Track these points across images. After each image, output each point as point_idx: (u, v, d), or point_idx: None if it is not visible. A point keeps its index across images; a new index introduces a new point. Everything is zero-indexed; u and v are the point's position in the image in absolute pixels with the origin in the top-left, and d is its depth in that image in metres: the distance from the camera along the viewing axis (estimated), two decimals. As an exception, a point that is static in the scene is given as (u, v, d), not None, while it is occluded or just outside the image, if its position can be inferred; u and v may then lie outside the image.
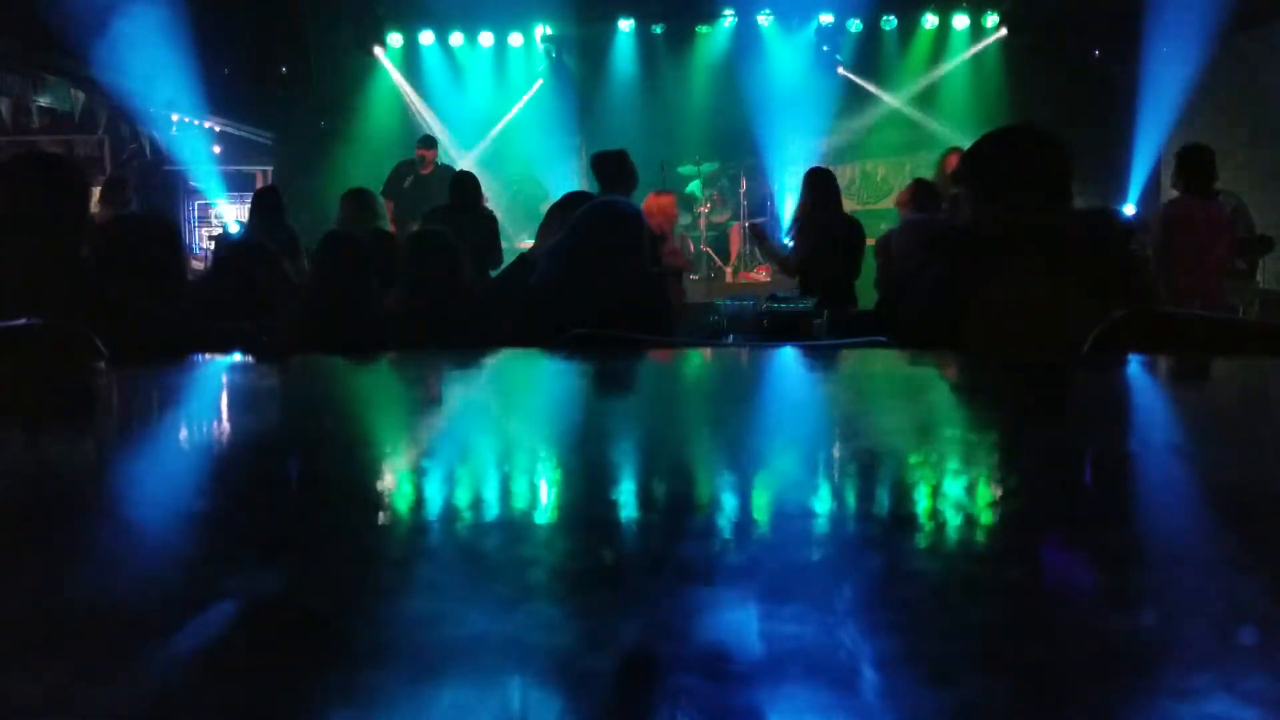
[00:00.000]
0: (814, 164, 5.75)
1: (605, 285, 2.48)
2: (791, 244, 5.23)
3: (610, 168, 4.78)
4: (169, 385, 1.17)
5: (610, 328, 2.03)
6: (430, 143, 7.54)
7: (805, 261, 5.13)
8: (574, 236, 2.59)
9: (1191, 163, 4.92)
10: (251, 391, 1.16)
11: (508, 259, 5.23)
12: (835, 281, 4.98)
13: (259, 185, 9.78)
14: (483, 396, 1.09)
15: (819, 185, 5.19)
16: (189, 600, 0.36)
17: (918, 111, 9.80)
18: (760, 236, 5.74)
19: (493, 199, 9.40)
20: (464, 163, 8.69)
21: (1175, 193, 5.12)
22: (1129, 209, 7.36)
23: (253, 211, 5.65)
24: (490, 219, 5.84)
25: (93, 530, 0.47)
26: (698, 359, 1.56)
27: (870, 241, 5.31)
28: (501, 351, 1.69)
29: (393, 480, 0.59)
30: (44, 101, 8.25)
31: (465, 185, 5.82)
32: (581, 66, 10.31)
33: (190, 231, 9.56)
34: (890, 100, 9.92)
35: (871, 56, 9.94)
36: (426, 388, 1.17)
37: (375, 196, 5.87)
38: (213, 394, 1.13)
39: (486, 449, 0.70)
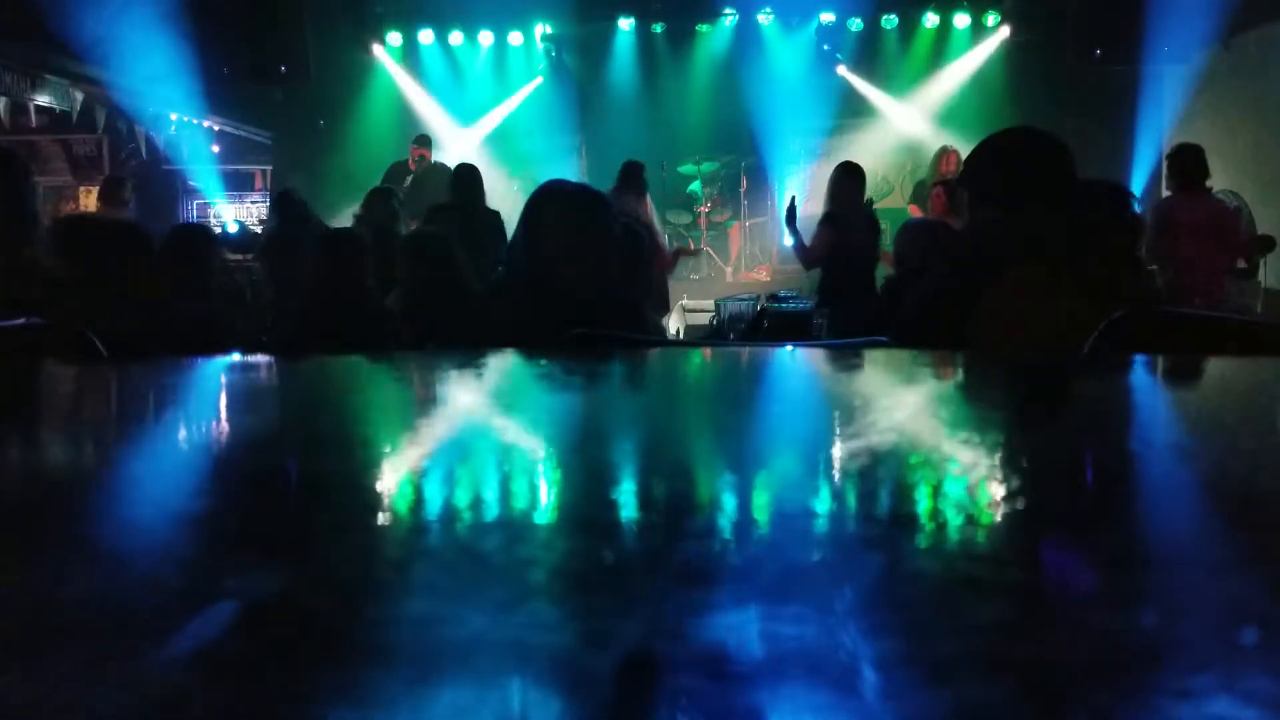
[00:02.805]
0: (814, 164, 5.76)
1: (567, 272, 2.36)
2: (815, 236, 5.24)
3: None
4: (165, 385, 1.17)
5: (579, 313, 1.98)
6: (425, 142, 7.50)
7: (827, 257, 5.15)
8: (525, 226, 2.47)
9: (1184, 161, 4.93)
10: (249, 391, 1.16)
11: None
12: (857, 278, 5.00)
13: (258, 185, 9.79)
14: (481, 396, 1.09)
15: (856, 182, 5.18)
16: (189, 600, 0.36)
17: (918, 111, 9.80)
18: (792, 214, 5.58)
19: (493, 198, 9.41)
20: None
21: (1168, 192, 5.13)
22: (1128, 209, 7.35)
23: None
24: (494, 215, 5.75)
25: (92, 530, 0.47)
26: (697, 358, 1.56)
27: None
28: (499, 351, 1.69)
29: (391, 480, 0.59)
30: (43, 101, 8.25)
31: (467, 181, 5.69)
32: (581, 66, 10.30)
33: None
34: (891, 99, 9.92)
35: (872, 55, 9.94)
36: (425, 388, 1.17)
37: (395, 199, 5.80)
38: (211, 393, 1.13)
39: (485, 449, 0.70)
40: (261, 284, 6.35)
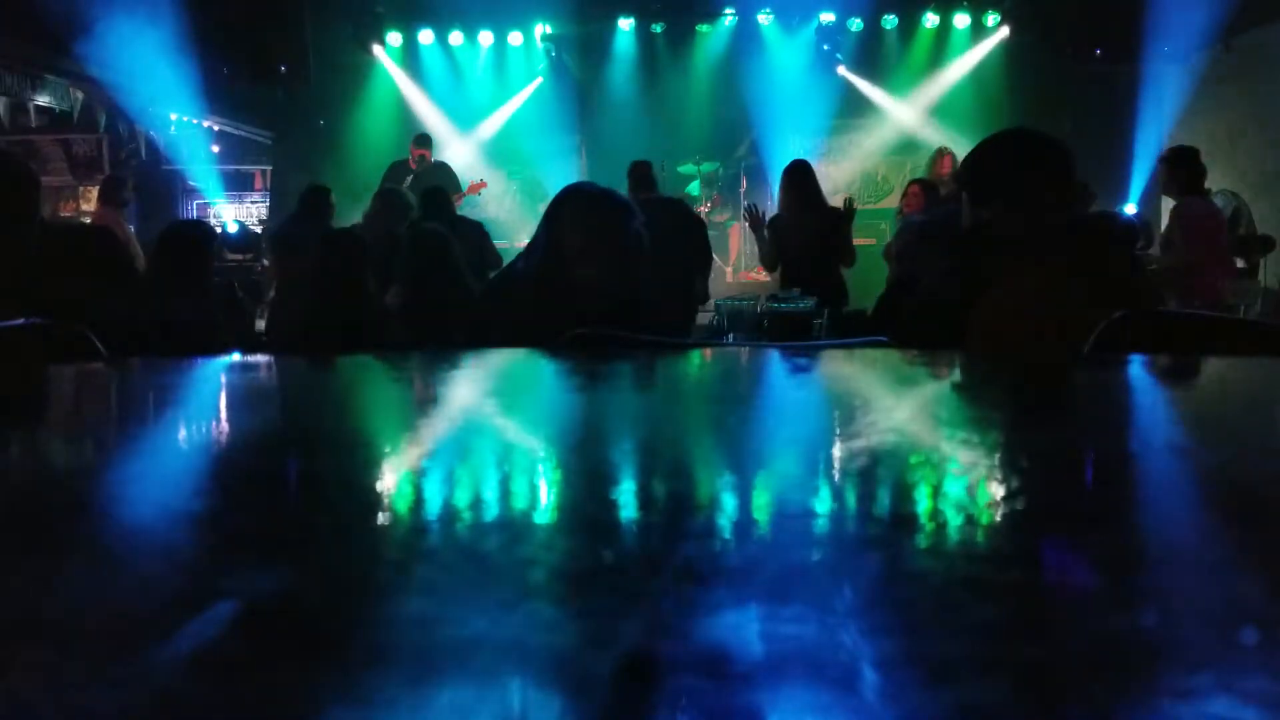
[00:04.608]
0: (814, 164, 5.72)
1: (583, 272, 2.36)
2: (767, 238, 5.30)
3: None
4: (165, 385, 1.17)
5: (595, 314, 1.98)
6: (424, 141, 7.49)
7: (783, 259, 5.22)
8: (546, 226, 2.47)
9: (1186, 163, 4.92)
10: (249, 390, 1.16)
11: (507, 259, 5.19)
12: (820, 278, 5.01)
13: (258, 185, 9.79)
14: (481, 396, 1.09)
15: (795, 181, 5.22)
16: (189, 600, 0.36)
17: (918, 111, 9.80)
18: (754, 220, 5.56)
19: (493, 198, 9.41)
20: (463, 163, 8.68)
21: (1168, 195, 5.13)
22: (1129, 209, 7.37)
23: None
24: (472, 225, 5.58)
25: (92, 530, 0.47)
26: (697, 359, 1.56)
27: (871, 241, 5.28)
28: (500, 351, 1.69)
29: (392, 480, 0.59)
30: (43, 101, 8.24)
31: (431, 202, 5.52)
32: (581, 66, 10.29)
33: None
34: (891, 99, 9.92)
35: (872, 55, 9.93)
36: (425, 387, 1.17)
37: (406, 200, 5.73)
38: (210, 393, 1.13)
39: (486, 449, 0.70)
40: (261, 283, 6.33)
